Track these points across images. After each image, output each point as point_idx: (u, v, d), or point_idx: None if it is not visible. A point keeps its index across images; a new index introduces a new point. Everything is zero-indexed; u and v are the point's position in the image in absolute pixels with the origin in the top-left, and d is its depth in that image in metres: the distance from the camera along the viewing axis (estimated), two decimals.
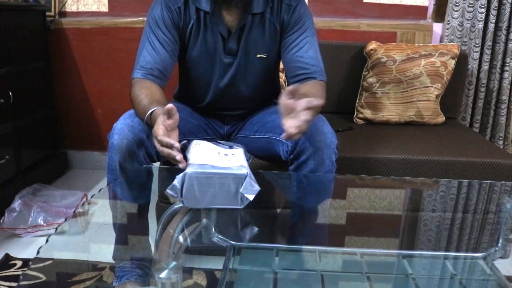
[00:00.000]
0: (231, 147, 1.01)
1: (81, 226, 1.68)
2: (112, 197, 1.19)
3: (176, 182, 0.86)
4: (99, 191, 1.12)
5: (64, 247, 1.54)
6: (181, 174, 0.86)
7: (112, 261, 1.32)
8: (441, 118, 1.84)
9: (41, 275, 1.36)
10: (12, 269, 1.38)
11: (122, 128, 1.14)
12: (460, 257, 1.04)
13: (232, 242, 1.07)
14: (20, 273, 1.36)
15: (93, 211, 1.84)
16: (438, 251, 1.04)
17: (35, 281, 1.32)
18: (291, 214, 1.30)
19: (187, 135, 1.25)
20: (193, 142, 1.00)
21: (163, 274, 0.68)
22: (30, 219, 1.57)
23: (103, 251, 1.40)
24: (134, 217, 1.29)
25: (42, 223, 1.57)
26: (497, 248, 1.05)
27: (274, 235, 1.17)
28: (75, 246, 1.53)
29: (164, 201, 1.49)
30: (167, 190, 0.87)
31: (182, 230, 0.96)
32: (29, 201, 1.64)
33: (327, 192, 1.26)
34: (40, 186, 1.76)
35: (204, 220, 1.08)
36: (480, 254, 1.04)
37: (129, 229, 1.29)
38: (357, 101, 1.87)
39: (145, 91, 1.15)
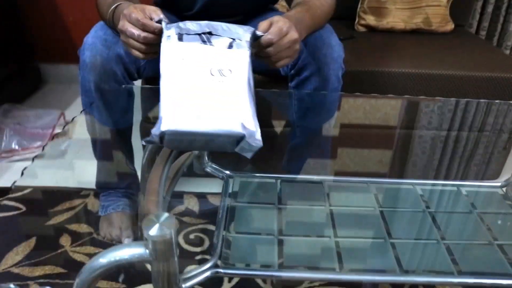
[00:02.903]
0: (230, 45, 0.73)
1: (59, 149, 1.56)
2: (89, 122, 1.05)
3: (154, 137, 0.65)
4: (80, 112, 0.98)
5: (43, 174, 1.43)
6: (157, 130, 0.64)
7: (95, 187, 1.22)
8: (450, 26, 1.67)
9: (20, 206, 1.26)
10: None
11: (94, 43, 0.96)
12: (477, 186, 0.95)
13: (228, 172, 0.96)
14: None
15: (72, 131, 1.71)
16: (453, 179, 0.96)
17: (14, 212, 1.23)
18: (291, 137, 1.19)
19: None
20: (168, 41, 0.72)
21: (153, 231, 0.57)
22: (3, 143, 1.44)
23: (85, 175, 1.29)
24: (117, 142, 1.16)
25: (16, 147, 1.43)
26: None
27: (274, 162, 1.06)
28: (55, 172, 1.43)
29: (148, 122, 1.36)
30: (143, 141, 0.68)
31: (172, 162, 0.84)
32: (0, 123, 1.49)
33: (331, 112, 1.14)
34: (10, 106, 1.60)
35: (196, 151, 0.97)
36: (498, 184, 0.95)
37: (111, 155, 1.17)
38: (359, 6, 1.67)
39: None
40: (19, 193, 1.30)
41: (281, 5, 1.52)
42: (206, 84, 0.69)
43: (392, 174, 1.08)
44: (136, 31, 0.76)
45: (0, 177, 1.39)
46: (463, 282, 0.72)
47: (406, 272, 0.73)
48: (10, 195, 1.29)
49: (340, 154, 1.26)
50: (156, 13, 0.76)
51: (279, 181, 0.93)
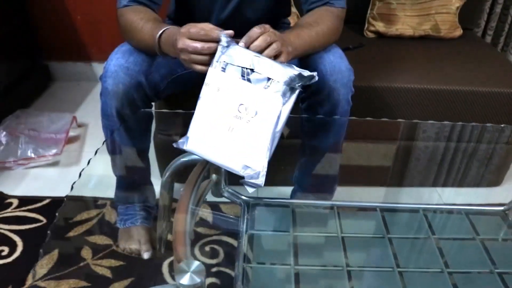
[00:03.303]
0: (267, 86, 0.77)
1: (74, 156, 1.60)
2: (110, 145, 1.09)
3: (179, 145, 0.80)
4: (103, 143, 1.02)
5: (60, 182, 1.48)
6: (181, 144, 0.80)
7: (111, 196, 1.27)
8: (459, 32, 1.69)
9: (41, 218, 1.31)
10: (9, 209, 1.33)
11: (116, 71, 0.99)
12: (479, 211, 1.01)
13: (244, 197, 1.01)
14: (18, 214, 1.31)
15: (84, 135, 1.75)
16: (457, 204, 1.01)
17: (36, 225, 1.28)
18: (300, 154, 1.23)
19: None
20: (213, 68, 0.79)
21: (185, 280, 0.62)
22: (19, 151, 1.48)
23: (101, 183, 1.33)
24: (135, 159, 1.20)
25: (32, 155, 1.47)
26: None
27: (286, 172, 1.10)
28: (72, 179, 1.47)
29: (162, 133, 1.40)
30: (174, 144, 0.81)
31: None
32: (15, 131, 1.52)
33: (340, 134, 1.18)
34: (22, 112, 1.63)
35: (214, 176, 1.01)
36: (500, 208, 1.00)
37: (130, 171, 1.21)
38: (368, 12, 1.68)
39: (144, 16, 0.97)
40: (39, 204, 1.36)
41: (294, 19, 1.53)
42: (231, 120, 0.76)
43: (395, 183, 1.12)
44: (199, 45, 0.79)
45: (18, 185, 1.43)
46: None
47: None
48: (30, 207, 1.34)
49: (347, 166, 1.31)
50: (213, 31, 0.80)
51: (293, 207, 0.98)
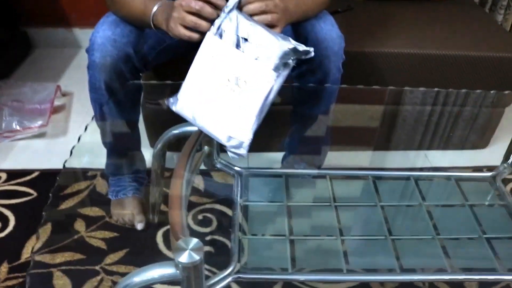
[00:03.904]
0: (257, 57, 0.75)
1: (61, 127, 1.57)
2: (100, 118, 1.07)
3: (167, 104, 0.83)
4: (92, 118, 1.00)
5: (47, 153, 1.46)
6: (170, 104, 0.82)
7: (101, 166, 1.26)
8: None
9: (31, 191, 1.30)
10: None
11: (103, 43, 0.95)
12: (468, 178, 1.03)
13: (237, 168, 1.01)
14: (7, 188, 1.30)
15: (69, 104, 1.71)
16: (446, 170, 1.02)
17: (27, 198, 1.27)
18: (291, 121, 1.23)
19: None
20: (210, 34, 0.78)
21: (184, 258, 0.63)
22: (4, 123, 1.44)
23: (91, 154, 1.32)
24: (125, 130, 1.18)
25: (18, 128, 1.44)
26: (506, 165, 1.04)
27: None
28: (59, 151, 1.45)
29: (151, 102, 1.38)
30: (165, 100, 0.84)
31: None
32: None
33: (330, 101, 1.17)
34: (4, 83, 1.58)
35: (206, 148, 1.01)
36: (489, 174, 1.03)
37: (120, 143, 1.20)
38: None
39: None
40: (28, 177, 1.34)
41: None
42: (220, 89, 0.76)
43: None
44: (200, 5, 0.77)
45: (5, 157, 1.41)
46: (454, 279, 0.81)
47: (406, 271, 0.81)
48: (20, 180, 1.33)
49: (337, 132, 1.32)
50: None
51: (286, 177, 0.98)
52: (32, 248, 1.12)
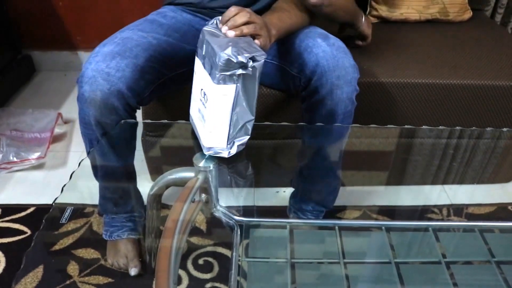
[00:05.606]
0: (209, 71, 0.73)
1: (60, 157, 1.51)
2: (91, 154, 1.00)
3: None
4: (88, 153, 0.93)
5: (45, 186, 1.40)
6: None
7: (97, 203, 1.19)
8: (468, 14, 1.57)
9: (25, 229, 1.23)
10: None
11: (94, 76, 0.88)
12: (491, 228, 0.92)
13: (237, 217, 0.93)
14: (0, 225, 1.24)
15: (70, 132, 1.65)
16: (470, 220, 0.92)
17: (20, 237, 1.20)
18: (299, 158, 1.14)
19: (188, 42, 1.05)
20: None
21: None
22: (1, 154, 1.39)
23: (87, 188, 1.25)
24: (119, 168, 1.11)
25: (15, 159, 1.39)
26: None
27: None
28: (58, 182, 1.39)
29: (150, 134, 1.31)
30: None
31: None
32: None
33: (340, 140, 1.09)
34: (3, 111, 1.53)
35: (203, 195, 0.93)
36: None
37: (114, 182, 1.12)
38: None
39: None
40: (23, 213, 1.28)
41: None
42: (199, 103, 0.79)
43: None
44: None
45: (1, 190, 1.35)
46: None
47: None
48: (14, 216, 1.27)
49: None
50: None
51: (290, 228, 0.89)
52: None
